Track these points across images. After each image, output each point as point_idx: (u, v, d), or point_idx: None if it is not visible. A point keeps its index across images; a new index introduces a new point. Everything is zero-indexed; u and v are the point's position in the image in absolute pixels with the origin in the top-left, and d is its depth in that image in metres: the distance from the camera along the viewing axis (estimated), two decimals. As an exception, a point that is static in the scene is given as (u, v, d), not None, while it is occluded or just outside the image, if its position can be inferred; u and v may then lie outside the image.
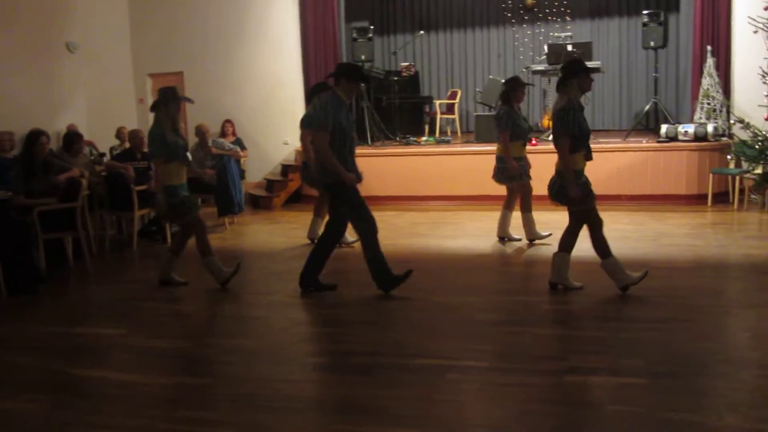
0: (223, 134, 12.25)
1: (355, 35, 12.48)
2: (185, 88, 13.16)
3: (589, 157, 5.96)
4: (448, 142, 12.03)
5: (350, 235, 8.32)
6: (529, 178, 8.02)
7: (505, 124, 7.78)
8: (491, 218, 9.44)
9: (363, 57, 12.32)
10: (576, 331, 5.23)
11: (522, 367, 4.52)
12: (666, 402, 3.93)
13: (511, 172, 7.84)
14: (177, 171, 6.58)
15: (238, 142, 12.03)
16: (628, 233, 8.43)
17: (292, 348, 5.17)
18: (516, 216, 8.20)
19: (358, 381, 4.46)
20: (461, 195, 10.84)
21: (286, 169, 12.37)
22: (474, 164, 10.91)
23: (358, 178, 6.09)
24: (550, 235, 7.98)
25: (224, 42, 12.85)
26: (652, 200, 10.15)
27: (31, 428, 4.06)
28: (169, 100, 6.56)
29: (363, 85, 6.41)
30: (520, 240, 8.11)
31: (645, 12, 11.89)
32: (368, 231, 6.13)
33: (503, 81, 13.01)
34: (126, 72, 13.34)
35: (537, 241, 8.03)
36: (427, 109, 14.26)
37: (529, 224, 8.06)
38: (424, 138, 12.42)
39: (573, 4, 14.39)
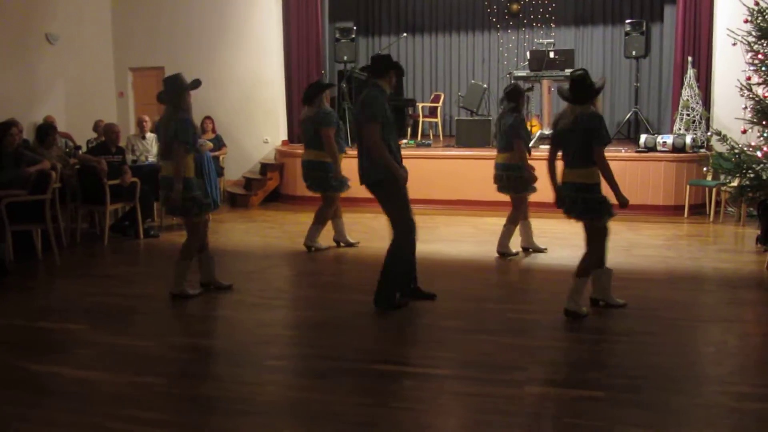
0: (203, 131, 12.16)
1: (338, 35, 12.44)
2: (166, 83, 13.08)
3: None
4: (428, 145, 11.99)
5: (322, 241, 8.27)
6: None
7: (520, 133, 7.51)
8: (467, 223, 9.45)
9: (345, 58, 12.29)
10: (539, 341, 5.18)
11: (482, 376, 4.48)
12: (623, 417, 3.90)
13: (530, 180, 7.56)
14: (191, 163, 6.26)
15: (218, 139, 11.95)
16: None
17: (253, 349, 5.09)
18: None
19: (316, 385, 4.41)
20: (438, 199, 10.80)
21: (265, 167, 12.29)
22: (452, 169, 10.89)
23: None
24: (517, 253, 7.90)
25: (207, 38, 12.76)
26: (629, 210, 10.08)
27: (-22, 425, 3.99)
28: (183, 90, 6.18)
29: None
30: (545, 250, 7.91)
31: (628, 21, 11.92)
32: (406, 234, 5.79)
33: (485, 86, 13.11)
34: (107, 65, 13.22)
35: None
36: (410, 112, 14.22)
37: (509, 235, 7.82)
38: (404, 141, 12.36)
39: (557, 12, 14.40)
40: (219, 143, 11.83)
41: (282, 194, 12.10)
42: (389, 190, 5.70)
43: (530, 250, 7.89)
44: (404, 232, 5.78)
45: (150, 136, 10.51)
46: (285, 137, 12.79)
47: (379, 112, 5.56)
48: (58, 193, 8.27)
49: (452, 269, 7.39)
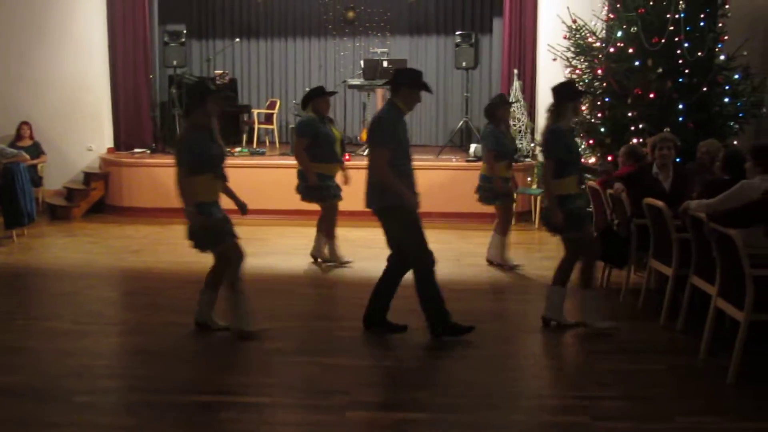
0: (19, 137, 11.31)
1: (166, 39, 11.95)
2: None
3: (581, 181, 5.77)
4: (262, 154, 11.76)
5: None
6: (513, 200, 8.03)
7: (491, 143, 7.63)
8: (301, 234, 9.27)
9: (175, 62, 11.83)
10: (366, 361, 5.09)
11: (303, 403, 4.35)
12: (441, 438, 3.89)
13: (498, 191, 7.66)
14: (207, 185, 5.38)
15: (36, 146, 11.15)
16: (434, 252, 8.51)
17: (61, 384, 4.70)
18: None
19: (127, 423, 4.12)
20: (273, 209, 10.58)
21: (88, 177, 11.58)
22: (287, 178, 10.62)
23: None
24: (350, 262, 7.90)
25: (25, 37, 11.81)
26: (461, 218, 10.36)
27: None
28: (205, 96, 5.30)
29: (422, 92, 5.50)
30: (518, 266, 7.85)
31: (458, 33, 12.20)
32: (427, 263, 5.41)
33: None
34: None
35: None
36: (245, 119, 13.91)
37: (502, 247, 7.89)
38: (238, 149, 12.06)
39: (392, 21, 14.54)
40: (37, 151, 11.05)
41: (108, 205, 11.46)
42: (396, 218, 5.35)
43: (506, 267, 7.84)
44: (420, 258, 5.40)
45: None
46: (111, 144, 12.12)
47: (386, 135, 5.25)
48: None
49: (282, 285, 7.20)
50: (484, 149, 7.91)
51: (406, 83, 5.37)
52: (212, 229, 5.31)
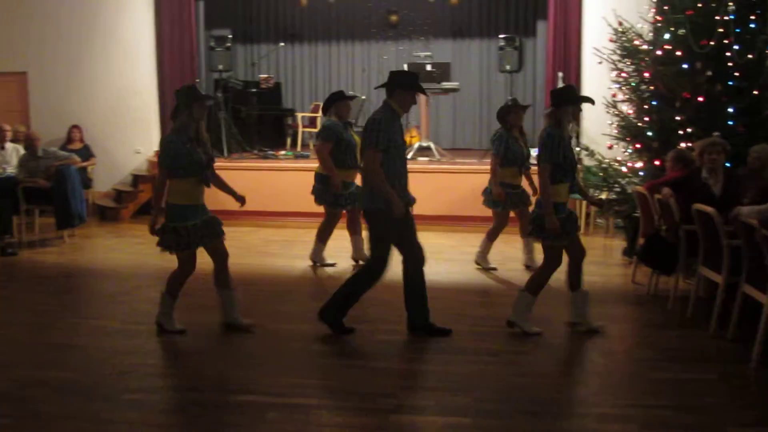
0: (69, 140, 11.59)
1: (212, 44, 12.12)
2: (29, 91, 12.34)
3: (573, 190, 5.70)
4: (306, 157, 11.84)
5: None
6: (526, 205, 7.74)
7: (496, 148, 7.57)
8: (344, 237, 9.30)
9: (221, 66, 11.98)
10: (409, 365, 5.12)
11: (348, 405, 4.37)
12: (487, 444, 3.87)
13: (496, 198, 7.61)
14: (186, 189, 5.46)
15: (86, 149, 11.42)
16: (474, 257, 8.48)
17: (110, 382, 4.79)
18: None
19: (174, 421, 4.18)
20: (318, 212, 10.60)
21: (137, 179, 11.82)
22: (331, 181, 10.75)
23: (409, 203, 5.49)
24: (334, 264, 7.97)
25: (74, 43, 12.09)
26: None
27: None
28: (191, 101, 5.44)
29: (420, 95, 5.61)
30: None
31: (501, 36, 12.14)
32: (375, 271, 5.48)
33: (363, 97, 13.06)
34: (-38, 69, 12.35)
35: None
36: (290, 122, 14.03)
37: (529, 249, 7.94)
38: (282, 152, 12.18)
39: (435, 24, 14.53)
40: (87, 153, 11.31)
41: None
42: (379, 221, 5.41)
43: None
44: (375, 269, 5.49)
45: (10, 146, 9.87)
46: (158, 148, 12.31)
47: (377, 137, 5.26)
48: None
49: (326, 287, 7.20)
50: (492, 154, 7.73)
51: (400, 85, 5.44)
52: (176, 233, 5.43)
